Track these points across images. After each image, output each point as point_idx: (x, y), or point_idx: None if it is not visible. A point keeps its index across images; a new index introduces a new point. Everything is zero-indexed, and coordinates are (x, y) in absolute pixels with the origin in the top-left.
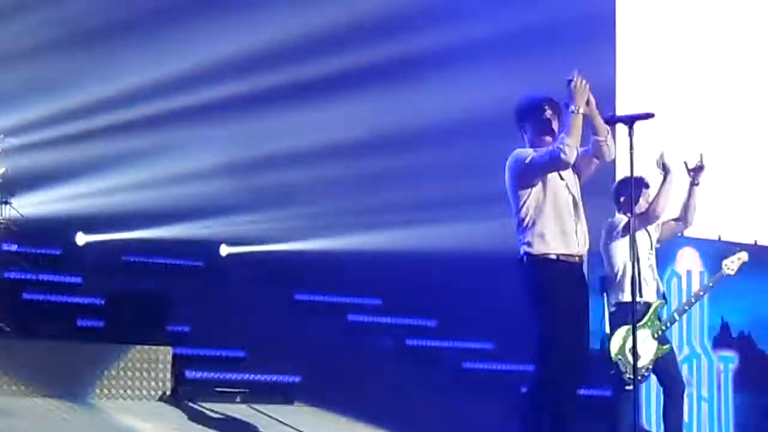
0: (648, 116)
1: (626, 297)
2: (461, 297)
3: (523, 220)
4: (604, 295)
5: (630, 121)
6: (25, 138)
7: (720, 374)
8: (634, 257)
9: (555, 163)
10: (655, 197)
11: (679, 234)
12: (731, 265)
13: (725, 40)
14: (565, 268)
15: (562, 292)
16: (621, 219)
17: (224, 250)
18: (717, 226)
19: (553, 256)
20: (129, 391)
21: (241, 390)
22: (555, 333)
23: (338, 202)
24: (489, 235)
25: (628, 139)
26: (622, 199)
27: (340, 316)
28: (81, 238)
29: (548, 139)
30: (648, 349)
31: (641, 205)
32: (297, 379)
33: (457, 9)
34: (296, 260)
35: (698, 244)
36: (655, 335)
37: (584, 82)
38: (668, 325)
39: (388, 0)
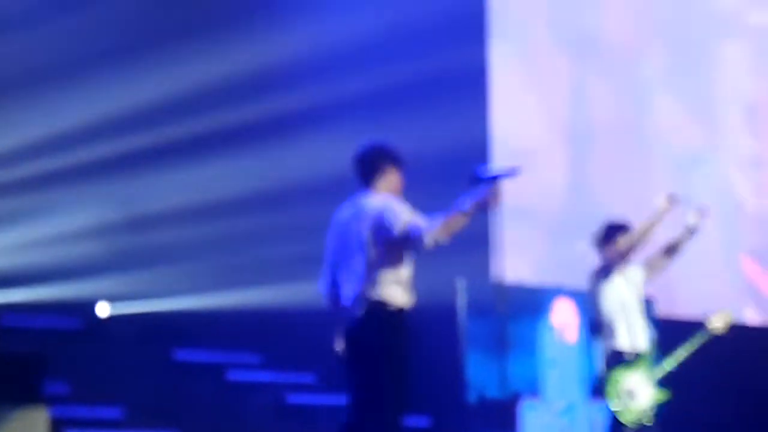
0: (513, 172)
1: (620, 344)
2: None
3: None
4: (596, 338)
5: (494, 180)
6: None
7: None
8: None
9: (415, 245)
10: (640, 236)
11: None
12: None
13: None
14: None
15: None
16: (605, 263)
17: (102, 310)
18: None
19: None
20: None
21: None
22: None
23: (216, 259)
24: None
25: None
26: (605, 243)
27: (218, 373)
28: None
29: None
30: (647, 393)
31: (622, 248)
32: None
33: (324, 66)
34: (175, 319)
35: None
36: (652, 381)
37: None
38: (665, 370)
39: (258, 58)
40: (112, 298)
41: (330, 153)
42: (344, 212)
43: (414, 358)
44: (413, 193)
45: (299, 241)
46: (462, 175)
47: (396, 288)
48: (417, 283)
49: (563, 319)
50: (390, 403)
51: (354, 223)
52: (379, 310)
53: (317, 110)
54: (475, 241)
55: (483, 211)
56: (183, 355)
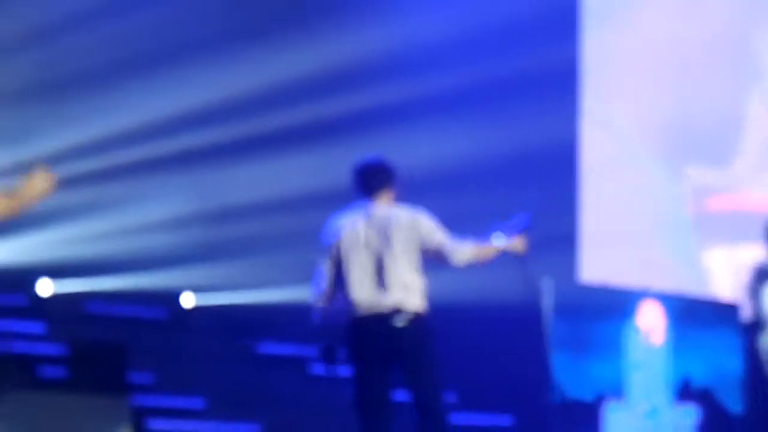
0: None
1: None
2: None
3: None
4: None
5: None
6: None
7: (682, 429)
8: None
9: (445, 259)
10: None
11: None
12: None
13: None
14: None
15: None
16: None
17: (187, 300)
18: None
19: None
20: None
21: None
22: None
23: (300, 252)
24: (449, 288)
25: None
26: None
27: (301, 367)
28: (44, 288)
29: None
30: None
31: None
32: (257, 430)
33: (412, 62)
34: (259, 311)
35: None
36: None
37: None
38: None
39: (346, 53)
40: (197, 289)
41: (414, 148)
42: (352, 219)
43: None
44: (498, 190)
45: None
46: (547, 175)
47: (424, 297)
48: (503, 283)
49: (650, 321)
50: (445, 403)
51: (375, 230)
52: (425, 320)
53: (403, 106)
54: (561, 241)
55: (511, 254)
56: (266, 347)
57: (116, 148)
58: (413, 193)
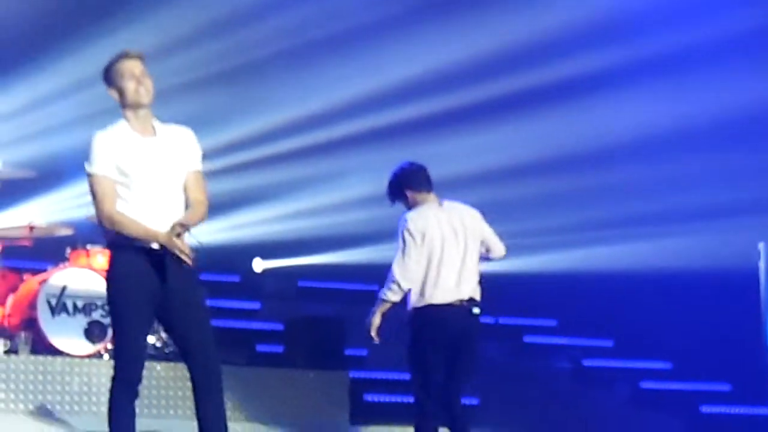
0: None
1: None
2: (637, 316)
3: None
4: None
5: None
6: (204, 167)
7: None
8: None
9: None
10: None
11: None
12: None
13: None
14: None
15: None
16: None
17: None
18: None
19: None
20: (307, 417)
21: None
22: None
23: (513, 224)
24: (665, 254)
25: None
26: None
27: (515, 337)
28: (258, 265)
29: None
30: None
31: None
32: (475, 401)
33: (636, 24)
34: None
35: None
36: None
37: None
38: None
39: (589, 12)
40: None
41: (632, 112)
42: (433, 212)
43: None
44: (713, 153)
45: (593, 206)
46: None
47: None
48: (719, 249)
49: None
50: None
51: (468, 225)
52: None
53: (620, 70)
54: None
55: None
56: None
57: (322, 126)
58: (630, 158)
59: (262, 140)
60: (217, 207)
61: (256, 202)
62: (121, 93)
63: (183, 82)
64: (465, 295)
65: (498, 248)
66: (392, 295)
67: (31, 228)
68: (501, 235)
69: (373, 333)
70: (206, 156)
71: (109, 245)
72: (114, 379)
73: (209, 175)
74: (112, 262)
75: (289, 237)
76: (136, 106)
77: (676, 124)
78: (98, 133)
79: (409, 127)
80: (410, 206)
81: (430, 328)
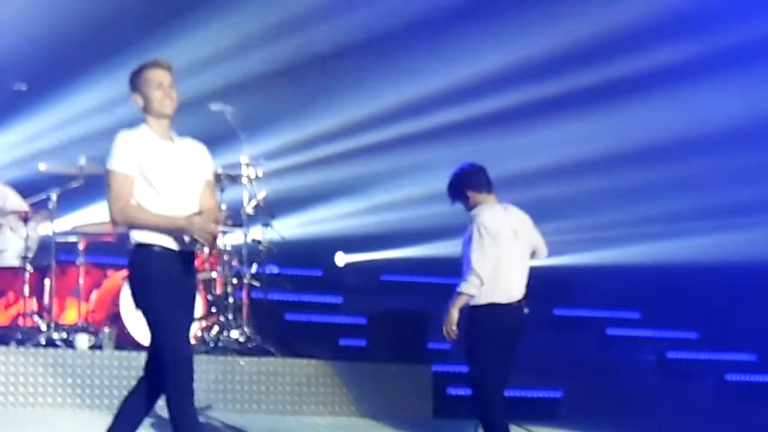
0: None
1: None
2: (722, 308)
3: None
4: None
5: None
6: (285, 161)
7: None
8: None
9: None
10: None
11: None
12: None
13: None
14: None
15: None
16: None
17: None
18: None
19: None
20: (390, 410)
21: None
22: None
23: (596, 217)
24: (749, 245)
25: None
26: None
27: (599, 330)
28: (341, 259)
29: None
30: None
31: None
32: (559, 395)
33: (706, 18)
34: (555, 275)
35: None
36: None
37: None
38: None
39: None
40: None
41: (698, 107)
42: (508, 216)
43: None
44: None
45: (676, 198)
46: None
47: None
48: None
49: None
50: None
51: (524, 227)
52: None
53: (686, 66)
54: None
55: None
56: (563, 311)
57: (403, 120)
58: (709, 150)
59: (344, 134)
60: (300, 201)
61: (338, 197)
62: (147, 100)
63: (268, 75)
64: (521, 296)
65: (543, 251)
66: (473, 289)
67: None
68: (582, 229)
69: (453, 328)
70: (289, 150)
71: (138, 247)
72: (176, 389)
73: (293, 169)
74: (146, 264)
75: (371, 231)
76: (160, 116)
77: (752, 116)
78: (123, 132)
79: (488, 121)
80: (471, 207)
81: (494, 327)
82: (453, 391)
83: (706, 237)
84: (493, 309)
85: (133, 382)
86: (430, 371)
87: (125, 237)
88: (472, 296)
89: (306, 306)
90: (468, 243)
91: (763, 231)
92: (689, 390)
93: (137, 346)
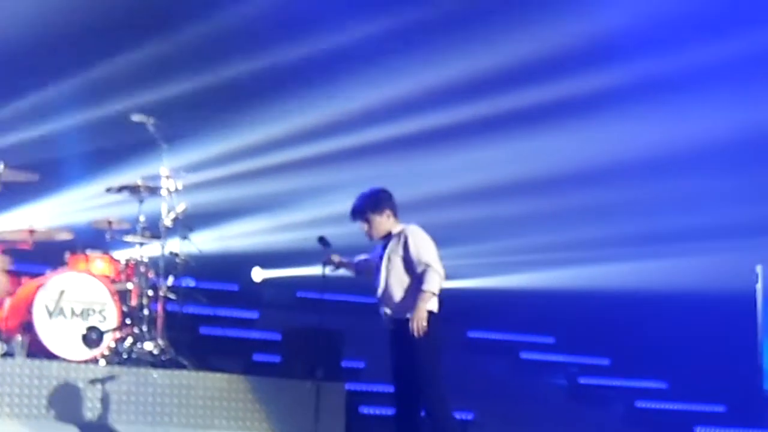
0: None
1: None
2: (634, 335)
3: None
4: None
5: None
6: (205, 174)
7: None
8: None
9: None
10: None
11: None
12: None
13: None
14: None
15: None
16: None
17: None
18: None
19: None
20: (303, 427)
21: None
22: None
23: (512, 241)
24: (661, 274)
25: None
26: None
27: (512, 353)
28: (257, 274)
29: None
30: None
31: None
32: (471, 417)
33: (667, 39)
34: (470, 298)
35: None
36: None
37: None
38: None
39: (585, 33)
40: None
41: (643, 132)
42: None
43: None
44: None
45: (593, 225)
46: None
47: None
48: (716, 270)
49: None
50: None
51: None
52: None
53: (631, 89)
54: None
55: None
56: (477, 334)
57: (320, 139)
58: (629, 178)
59: (265, 150)
60: (218, 215)
61: (257, 212)
62: None
63: (189, 90)
64: None
65: None
66: (437, 286)
67: (31, 231)
68: (498, 252)
69: (424, 324)
70: (210, 164)
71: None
72: None
73: (213, 182)
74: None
75: (289, 247)
76: None
77: (676, 146)
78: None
79: (408, 143)
80: (384, 227)
81: (440, 333)
82: (365, 409)
83: (622, 264)
84: (436, 317)
85: (45, 391)
86: (344, 389)
87: (42, 245)
88: (435, 294)
89: (221, 320)
90: (390, 257)
91: (677, 260)
92: (599, 416)
93: (49, 355)
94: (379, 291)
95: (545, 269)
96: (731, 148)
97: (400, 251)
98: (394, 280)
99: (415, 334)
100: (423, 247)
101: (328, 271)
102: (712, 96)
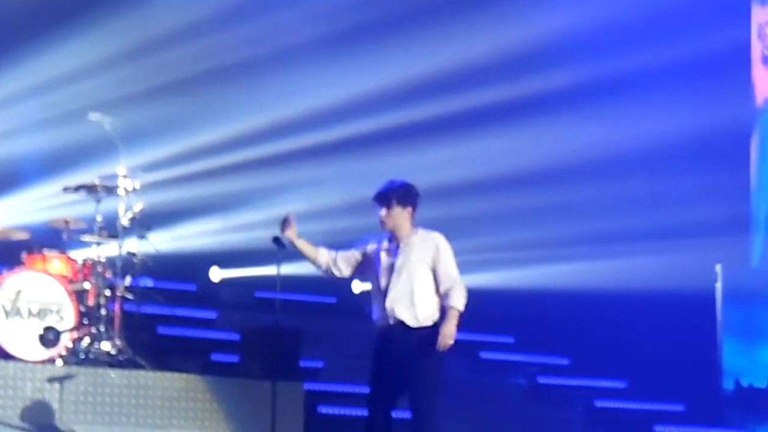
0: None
1: None
2: (594, 335)
3: None
4: None
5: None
6: (163, 174)
7: None
8: None
9: None
10: None
11: None
12: None
13: None
14: None
15: None
16: None
17: (357, 286)
18: None
19: None
20: (261, 428)
21: None
22: None
23: (472, 240)
24: (620, 273)
25: None
26: None
27: (472, 353)
28: (216, 274)
29: None
30: None
31: None
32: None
33: (625, 39)
34: None
35: None
36: None
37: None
38: None
39: (545, 32)
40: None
41: (591, 132)
42: None
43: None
44: (669, 174)
45: (552, 224)
46: (719, 158)
47: None
48: (676, 269)
49: None
50: None
51: None
52: None
53: (581, 90)
54: (735, 227)
55: None
56: None
57: (280, 138)
58: (588, 177)
59: (223, 149)
60: (176, 215)
61: (215, 211)
62: None
63: (145, 89)
64: None
65: None
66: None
67: None
68: (460, 251)
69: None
70: (168, 163)
71: None
72: None
73: (171, 182)
74: None
75: (247, 247)
76: None
77: (634, 145)
78: None
79: (367, 141)
80: (393, 220)
81: None
82: (324, 409)
83: (581, 263)
84: None
85: (1, 392)
86: (302, 389)
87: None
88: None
89: (179, 320)
90: (412, 261)
91: (637, 259)
92: (559, 415)
93: (5, 355)
94: (393, 293)
95: (505, 269)
96: (691, 147)
97: (429, 260)
98: (419, 287)
99: (441, 349)
100: (453, 262)
101: (282, 238)
102: (671, 96)
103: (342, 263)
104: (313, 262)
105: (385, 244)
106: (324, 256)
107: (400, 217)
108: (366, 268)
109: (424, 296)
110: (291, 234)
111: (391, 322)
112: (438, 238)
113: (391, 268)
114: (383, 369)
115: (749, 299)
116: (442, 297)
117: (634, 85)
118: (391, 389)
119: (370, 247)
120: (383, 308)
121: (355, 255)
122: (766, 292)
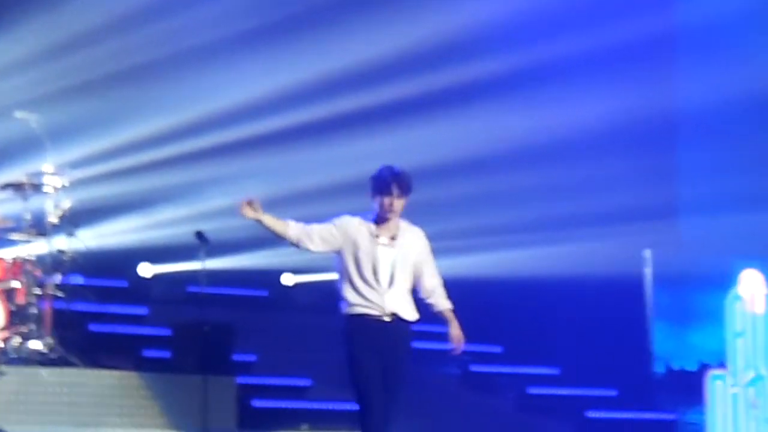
0: None
1: None
2: (526, 322)
3: None
4: None
5: None
6: (91, 171)
7: None
8: None
9: None
10: None
11: None
12: None
13: None
14: None
15: None
16: None
17: (288, 279)
18: None
19: None
20: (194, 423)
21: (306, 418)
22: None
23: None
24: (550, 260)
25: None
26: None
27: None
28: (146, 270)
29: None
30: None
31: None
32: (359, 407)
33: (556, 25)
34: None
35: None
36: None
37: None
38: None
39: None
40: (298, 268)
41: (518, 120)
42: None
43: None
44: (598, 160)
45: (480, 212)
46: (647, 144)
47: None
48: (605, 255)
49: (751, 289)
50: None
51: None
52: None
53: (506, 79)
54: (662, 212)
55: None
56: None
57: (212, 130)
58: (517, 165)
59: (151, 145)
60: (105, 211)
61: (144, 207)
62: None
63: (73, 84)
64: None
65: None
66: None
67: None
68: None
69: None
70: (95, 159)
71: None
72: None
73: (99, 178)
74: None
75: (178, 242)
76: None
77: (562, 132)
78: None
79: (302, 132)
80: (399, 210)
81: None
82: (257, 403)
83: (511, 251)
84: None
85: None
86: (235, 383)
87: None
88: None
89: (110, 317)
90: (405, 255)
91: (566, 246)
92: (492, 403)
93: None
94: (395, 287)
95: (435, 257)
96: (617, 133)
97: (422, 256)
98: (405, 279)
99: (457, 351)
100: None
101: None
102: (598, 83)
103: (317, 238)
104: (282, 236)
105: (373, 229)
106: (293, 228)
107: (401, 209)
108: (345, 248)
109: (406, 289)
110: (256, 213)
111: (387, 313)
112: (422, 233)
113: (388, 261)
114: (377, 360)
115: (678, 283)
116: (427, 293)
117: (560, 72)
118: (384, 380)
119: (352, 229)
120: (373, 299)
121: (332, 232)
122: (694, 275)
